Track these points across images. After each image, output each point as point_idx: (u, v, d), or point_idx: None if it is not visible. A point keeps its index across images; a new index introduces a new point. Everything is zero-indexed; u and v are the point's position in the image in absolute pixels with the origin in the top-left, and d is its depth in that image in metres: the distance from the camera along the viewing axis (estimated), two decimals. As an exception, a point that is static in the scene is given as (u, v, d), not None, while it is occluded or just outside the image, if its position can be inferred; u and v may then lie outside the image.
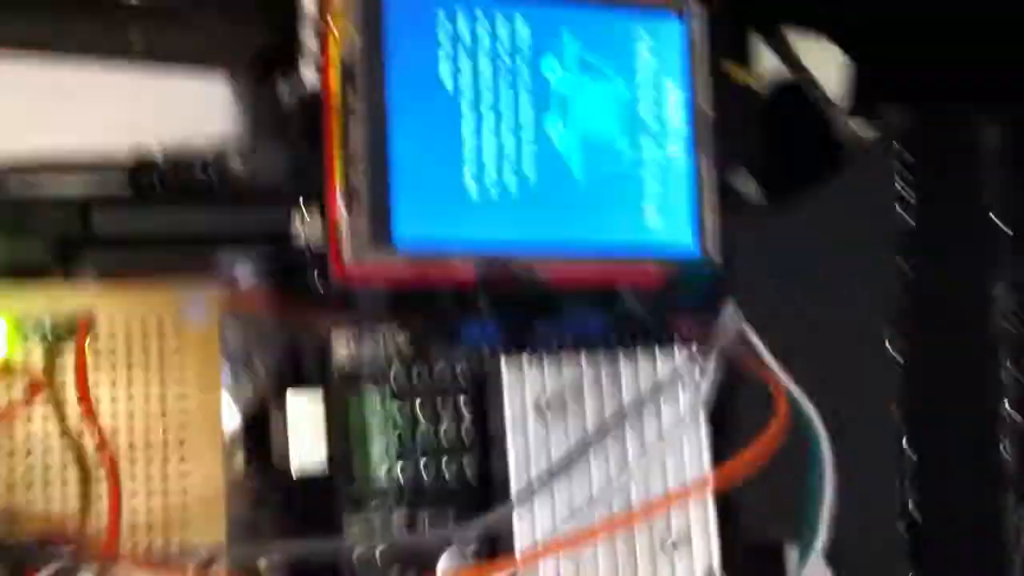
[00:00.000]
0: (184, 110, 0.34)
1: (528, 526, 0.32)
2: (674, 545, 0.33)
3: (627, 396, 0.34)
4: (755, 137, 0.43)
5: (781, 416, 0.31)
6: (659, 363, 0.34)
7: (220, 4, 0.33)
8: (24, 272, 0.31)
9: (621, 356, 0.34)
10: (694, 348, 0.34)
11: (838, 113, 0.45)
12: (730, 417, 0.35)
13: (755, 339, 0.32)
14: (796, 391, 0.32)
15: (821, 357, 0.37)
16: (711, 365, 0.32)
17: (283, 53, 0.32)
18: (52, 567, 0.27)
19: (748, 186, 0.43)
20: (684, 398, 0.34)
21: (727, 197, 0.37)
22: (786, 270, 0.41)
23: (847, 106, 0.46)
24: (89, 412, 0.29)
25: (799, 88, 0.45)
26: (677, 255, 0.36)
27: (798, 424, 0.33)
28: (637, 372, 0.34)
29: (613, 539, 0.33)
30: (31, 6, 0.32)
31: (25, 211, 0.30)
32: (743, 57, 0.43)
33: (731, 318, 0.32)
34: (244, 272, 0.34)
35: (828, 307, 0.41)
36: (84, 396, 0.29)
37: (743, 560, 0.35)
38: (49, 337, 0.30)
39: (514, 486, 0.31)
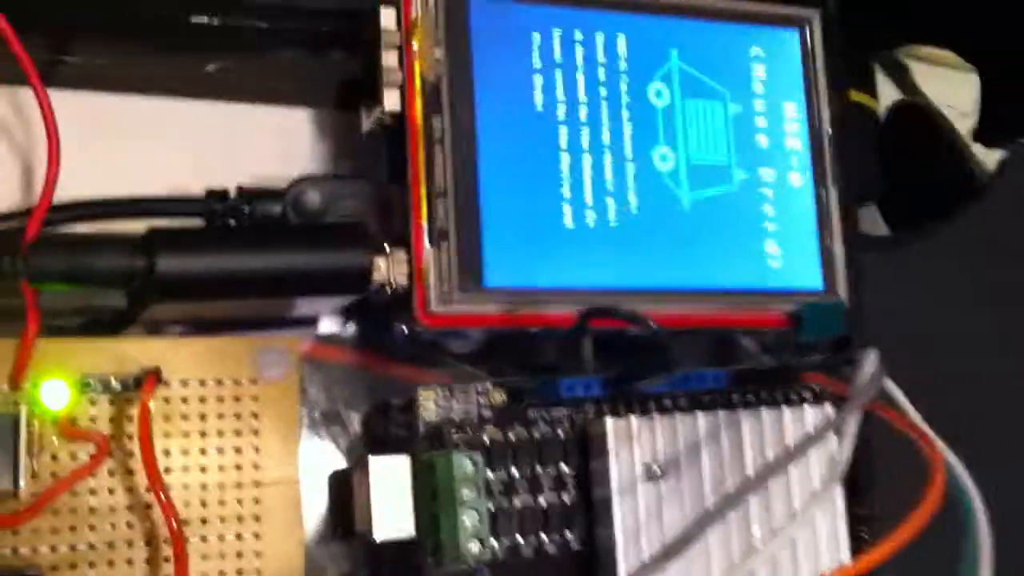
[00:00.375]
0: (261, 144, 0.33)
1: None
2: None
3: (751, 459, 0.31)
4: (878, 163, 0.40)
5: (937, 487, 0.27)
6: (788, 422, 0.31)
7: (299, 33, 0.32)
8: (89, 322, 0.30)
9: (743, 413, 0.31)
10: (828, 404, 0.32)
11: (967, 138, 0.42)
12: (860, 470, 0.33)
13: (899, 394, 0.28)
14: (950, 454, 0.28)
15: (960, 411, 0.33)
16: (850, 424, 0.28)
17: (364, 83, 0.31)
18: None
19: (872, 216, 0.40)
20: (818, 463, 0.30)
21: (850, 228, 0.35)
22: (916, 311, 0.37)
23: (978, 131, 0.42)
24: (155, 482, 0.28)
25: (922, 112, 0.41)
26: (801, 292, 0.33)
27: (949, 491, 0.29)
28: (762, 432, 0.31)
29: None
30: (106, 40, 0.31)
31: (89, 254, 0.28)
32: (864, 81, 0.40)
33: (873, 368, 0.28)
34: (324, 318, 0.32)
35: (968, 352, 0.38)
36: (150, 465, 0.27)
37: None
38: (115, 395, 0.29)
39: (622, 562, 0.28)
